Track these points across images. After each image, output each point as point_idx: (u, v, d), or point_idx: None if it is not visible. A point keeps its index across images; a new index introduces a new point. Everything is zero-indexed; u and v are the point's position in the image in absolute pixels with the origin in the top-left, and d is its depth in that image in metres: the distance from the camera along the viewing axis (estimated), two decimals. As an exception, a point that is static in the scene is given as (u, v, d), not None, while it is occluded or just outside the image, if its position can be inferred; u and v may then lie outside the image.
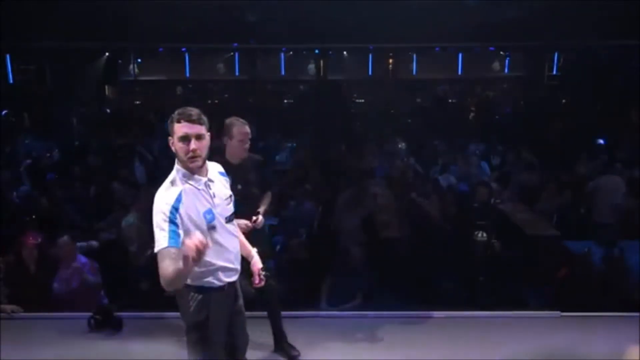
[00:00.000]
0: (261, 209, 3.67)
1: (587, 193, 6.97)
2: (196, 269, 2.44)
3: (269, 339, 3.88)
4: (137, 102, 16.99)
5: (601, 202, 6.74)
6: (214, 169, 2.63)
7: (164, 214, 2.35)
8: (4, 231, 5.46)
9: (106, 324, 4.20)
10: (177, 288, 2.41)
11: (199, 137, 2.43)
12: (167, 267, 2.30)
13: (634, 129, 10.36)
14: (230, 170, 3.55)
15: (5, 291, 4.53)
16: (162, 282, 2.34)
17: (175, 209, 2.37)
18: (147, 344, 3.98)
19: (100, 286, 4.78)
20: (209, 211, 2.49)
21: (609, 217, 6.58)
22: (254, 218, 3.56)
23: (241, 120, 3.67)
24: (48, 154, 8.76)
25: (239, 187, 3.57)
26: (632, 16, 9.68)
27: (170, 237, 2.33)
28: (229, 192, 2.66)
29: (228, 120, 3.66)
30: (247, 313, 2.78)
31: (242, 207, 3.51)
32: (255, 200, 3.69)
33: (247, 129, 3.64)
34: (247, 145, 3.63)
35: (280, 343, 3.84)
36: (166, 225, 2.34)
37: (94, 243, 5.46)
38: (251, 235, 3.50)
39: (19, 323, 4.28)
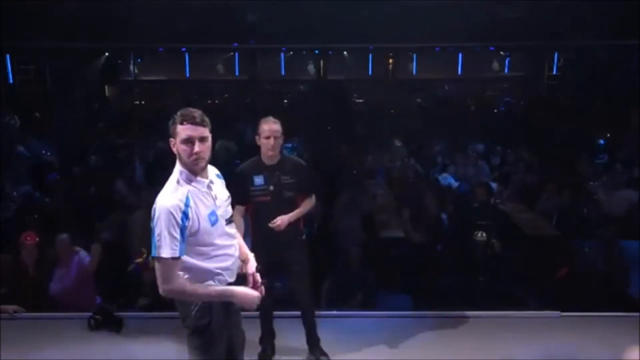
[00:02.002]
0: (287, 215, 3.55)
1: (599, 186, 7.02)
2: (197, 273, 2.45)
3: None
4: (137, 102, 16.97)
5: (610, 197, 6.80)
6: (212, 171, 2.60)
7: (175, 219, 2.32)
8: (3, 230, 5.46)
9: (106, 324, 4.20)
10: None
11: (202, 139, 2.40)
12: (177, 279, 2.36)
13: (634, 129, 10.38)
14: (265, 170, 3.55)
15: (3, 291, 4.53)
16: (165, 290, 2.36)
17: (185, 214, 2.35)
18: (147, 344, 3.98)
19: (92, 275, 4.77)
20: (213, 213, 2.47)
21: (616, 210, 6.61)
22: (273, 221, 3.51)
23: (272, 118, 3.59)
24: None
25: (271, 188, 3.55)
26: (632, 16, 9.69)
27: (180, 247, 2.33)
28: (228, 194, 2.64)
29: (261, 119, 3.60)
30: (248, 313, 2.77)
31: (273, 209, 3.54)
32: (287, 203, 3.59)
33: (274, 126, 3.53)
34: (274, 143, 3.51)
35: (315, 345, 3.80)
36: (177, 233, 2.32)
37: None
38: (281, 238, 3.53)
39: (19, 323, 4.28)
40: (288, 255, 3.64)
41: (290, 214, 3.58)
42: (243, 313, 2.78)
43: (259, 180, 3.57)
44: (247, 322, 2.86)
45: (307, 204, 3.71)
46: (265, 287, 2.71)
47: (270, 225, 3.51)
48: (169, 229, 2.32)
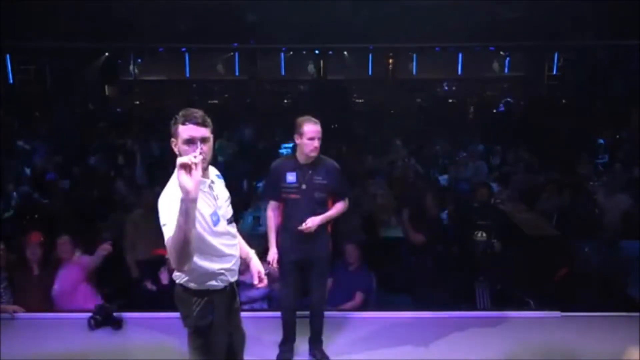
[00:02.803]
0: (319, 217, 3.55)
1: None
2: (199, 273, 2.45)
3: (265, 337, 3.90)
4: (137, 102, 16.97)
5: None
6: (212, 171, 2.60)
7: (174, 208, 2.27)
8: (5, 230, 5.47)
9: (106, 324, 4.20)
10: (188, 260, 2.25)
11: (204, 139, 2.39)
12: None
13: (634, 129, 10.38)
14: (298, 169, 3.58)
15: (7, 291, 4.53)
16: (174, 260, 2.24)
17: None
18: (147, 344, 3.98)
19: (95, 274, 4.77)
20: (215, 213, 2.47)
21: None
22: (305, 223, 3.51)
23: (313, 119, 3.60)
24: None
25: (303, 187, 3.57)
26: (632, 16, 9.69)
27: None
28: (228, 194, 2.65)
29: (300, 119, 3.60)
30: (250, 313, 2.78)
31: (303, 208, 3.56)
32: (318, 204, 3.60)
33: (317, 127, 3.54)
34: (316, 144, 3.53)
35: (318, 347, 3.82)
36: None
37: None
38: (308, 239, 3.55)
39: (20, 323, 4.29)
40: (313, 255, 3.64)
41: (322, 216, 3.58)
42: (245, 313, 2.79)
43: (291, 177, 3.59)
44: (248, 322, 2.86)
45: (339, 208, 3.70)
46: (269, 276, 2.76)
47: (300, 228, 3.51)
48: (172, 213, 2.25)
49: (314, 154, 3.57)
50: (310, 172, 3.59)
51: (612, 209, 6.69)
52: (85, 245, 5.04)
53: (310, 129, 3.53)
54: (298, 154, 3.62)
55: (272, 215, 3.69)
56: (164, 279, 4.73)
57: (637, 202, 6.63)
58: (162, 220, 2.31)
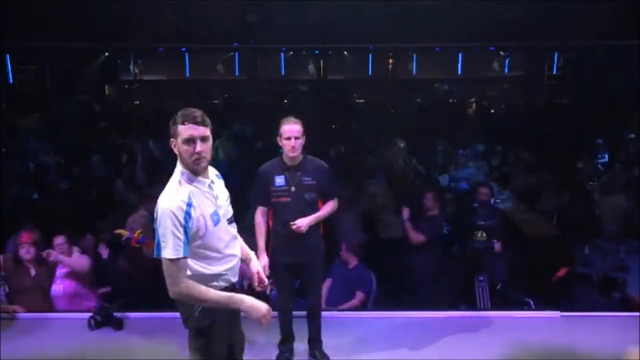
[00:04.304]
0: (308, 218, 3.52)
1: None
2: (202, 276, 2.46)
3: (265, 338, 3.88)
4: (137, 102, 16.97)
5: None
6: (212, 171, 2.60)
7: (178, 219, 2.31)
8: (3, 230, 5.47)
9: (106, 324, 4.20)
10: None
11: (204, 138, 2.40)
12: (184, 281, 2.35)
13: (634, 129, 10.37)
14: (286, 171, 3.56)
15: (5, 291, 4.52)
16: (174, 292, 2.35)
17: (188, 214, 2.34)
18: (147, 344, 3.97)
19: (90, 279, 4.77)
20: (215, 212, 2.47)
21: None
22: (291, 223, 3.49)
23: (293, 118, 3.55)
24: None
25: (293, 189, 3.54)
26: (632, 16, 9.70)
27: (184, 247, 2.33)
28: (228, 194, 2.65)
29: (282, 120, 3.56)
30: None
31: (294, 210, 3.53)
32: (308, 205, 3.57)
33: (295, 127, 3.49)
34: (294, 144, 3.48)
35: (317, 347, 3.80)
36: (181, 233, 2.31)
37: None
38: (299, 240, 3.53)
39: (20, 323, 4.29)
40: (306, 258, 3.63)
41: (311, 217, 3.55)
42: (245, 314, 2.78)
43: (279, 180, 3.55)
44: (247, 322, 2.86)
45: (329, 208, 3.67)
46: (271, 287, 2.74)
47: (290, 224, 3.49)
48: (172, 230, 2.31)
49: (292, 154, 3.52)
50: (298, 173, 3.55)
51: (612, 208, 6.69)
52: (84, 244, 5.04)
53: (287, 129, 3.49)
54: (284, 156, 3.59)
55: (261, 222, 3.64)
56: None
57: (637, 202, 6.63)
58: (161, 237, 2.34)
